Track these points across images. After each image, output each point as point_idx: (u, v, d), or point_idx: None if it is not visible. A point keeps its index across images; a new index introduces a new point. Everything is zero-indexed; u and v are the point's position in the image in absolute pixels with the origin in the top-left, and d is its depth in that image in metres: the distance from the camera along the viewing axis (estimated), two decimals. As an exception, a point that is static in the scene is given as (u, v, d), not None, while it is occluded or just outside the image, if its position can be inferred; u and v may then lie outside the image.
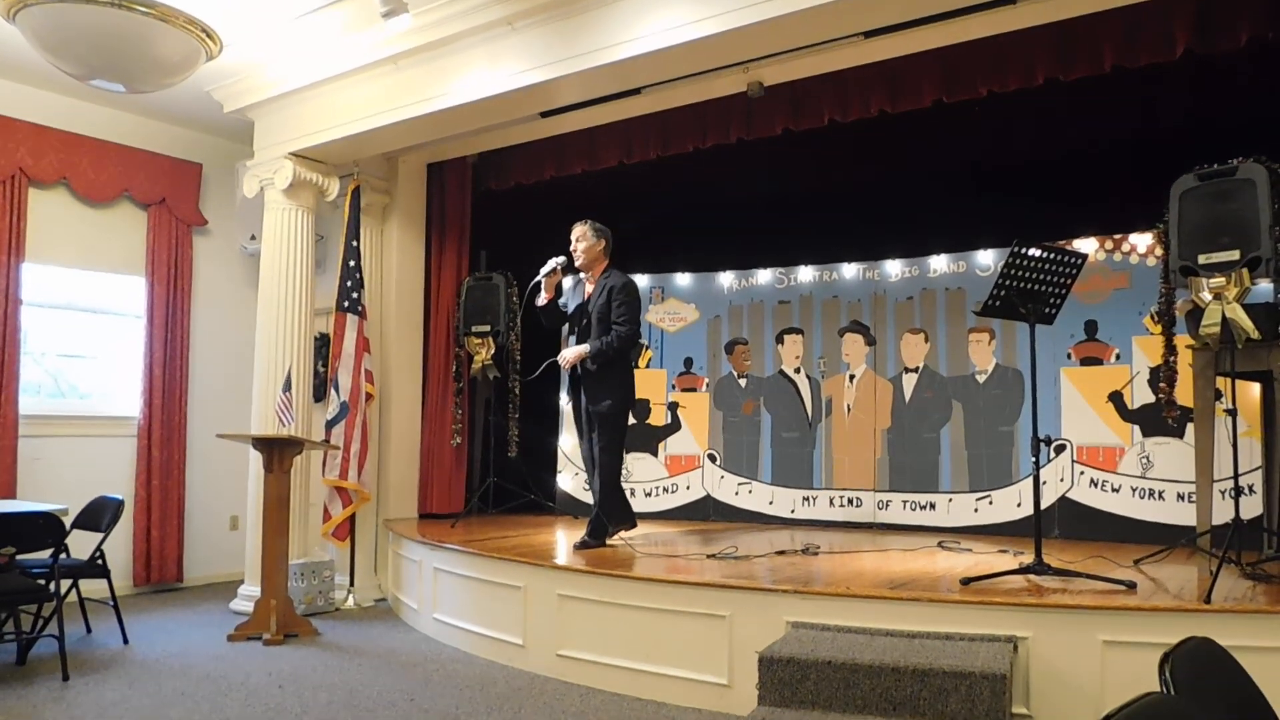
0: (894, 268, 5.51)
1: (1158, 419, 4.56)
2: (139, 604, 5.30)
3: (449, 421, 5.81)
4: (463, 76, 4.44)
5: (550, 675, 3.80)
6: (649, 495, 5.90)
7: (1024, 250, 3.37)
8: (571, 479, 6.09)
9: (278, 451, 4.58)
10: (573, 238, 4.47)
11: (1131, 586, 3.07)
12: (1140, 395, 4.69)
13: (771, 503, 5.66)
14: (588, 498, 5.88)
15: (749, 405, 5.83)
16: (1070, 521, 4.76)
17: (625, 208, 5.53)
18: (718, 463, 5.85)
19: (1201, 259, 3.20)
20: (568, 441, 6.14)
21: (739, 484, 5.77)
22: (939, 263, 5.38)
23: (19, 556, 3.97)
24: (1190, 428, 4.19)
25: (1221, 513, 3.57)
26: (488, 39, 4.32)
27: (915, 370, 5.40)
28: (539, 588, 3.92)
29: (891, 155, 5.07)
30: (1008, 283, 3.39)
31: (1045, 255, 3.40)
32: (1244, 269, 3.11)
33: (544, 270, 4.41)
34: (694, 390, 5.97)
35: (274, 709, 3.37)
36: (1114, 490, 4.69)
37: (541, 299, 4.42)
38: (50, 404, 5.60)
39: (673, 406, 6.00)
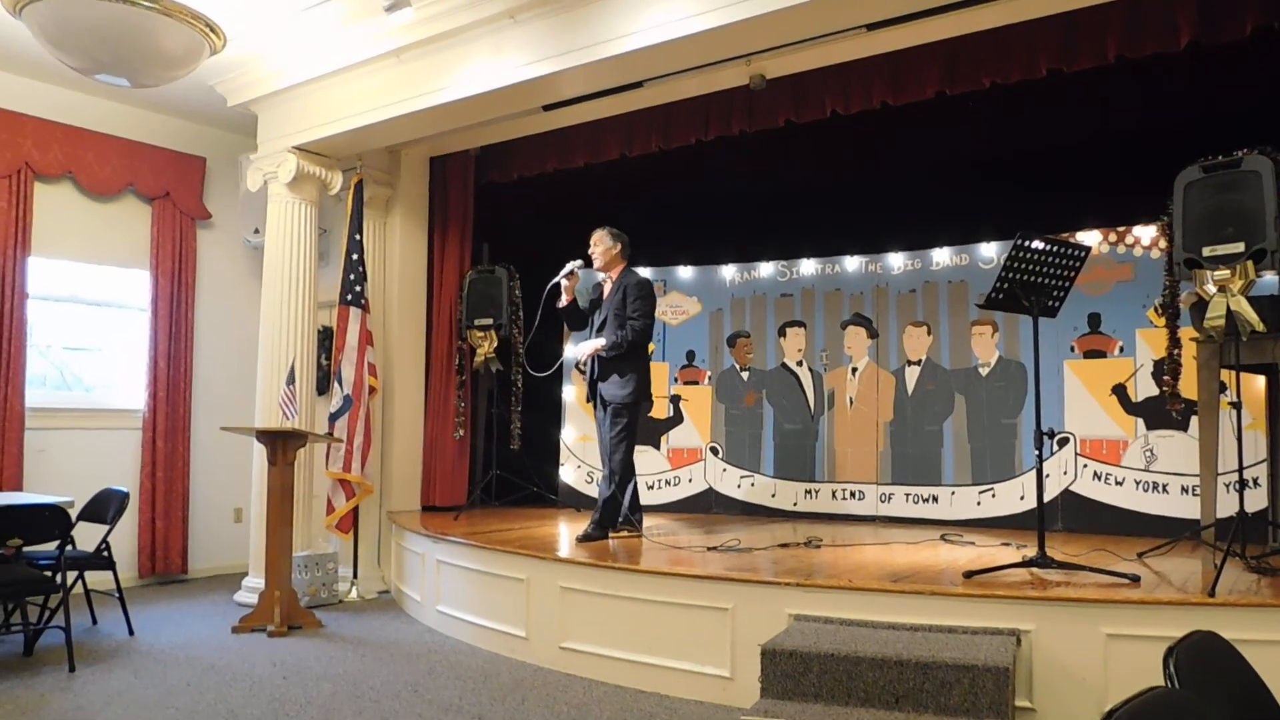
0: (896, 260, 5.50)
1: (1161, 412, 4.55)
2: (144, 595, 5.33)
3: (451, 414, 5.83)
4: (465, 70, 4.44)
5: (553, 667, 3.82)
6: (651, 488, 5.90)
7: (1027, 243, 3.36)
8: (574, 471, 6.10)
9: (281, 444, 4.60)
10: (591, 242, 4.65)
11: (1135, 580, 3.06)
12: (1144, 388, 4.68)
13: (774, 495, 5.67)
14: (590, 490, 5.90)
15: (751, 398, 5.83)
16: (1073, 514, 4.76)
17: (627, 200, 5.53)
18: (720, 455, 5.86)
19: (1206, 251, 3.18)
20: (570, 434, 6.15)
21: (741, 477, 5.78)
22: (941, 255, 5.36)
23: (25, 548, 3.99)
24: (1194, 420, 4.17)
25: (1226, 506, 3.56)
26: (490, 32, 4.31)
27: (918, 363, 5.39)
28: (541, 580, 3.93)
29: (894, 147, 5.06)
30: (1011, 275, 3.38)
31: (1048, 247, 3.39)
32: (1249, 261, 3.10)
33: (562, 273, 4.60)
34: (696, 383, 5.98)
35: (278, 700, 3.39)
36: (1117, 483, 4.68)
37: (562, 301, 4.63)
38: (56, 396, 5.63)
39: (675, 399, 6.00)
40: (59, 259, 5.56)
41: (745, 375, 5.86)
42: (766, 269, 5.86)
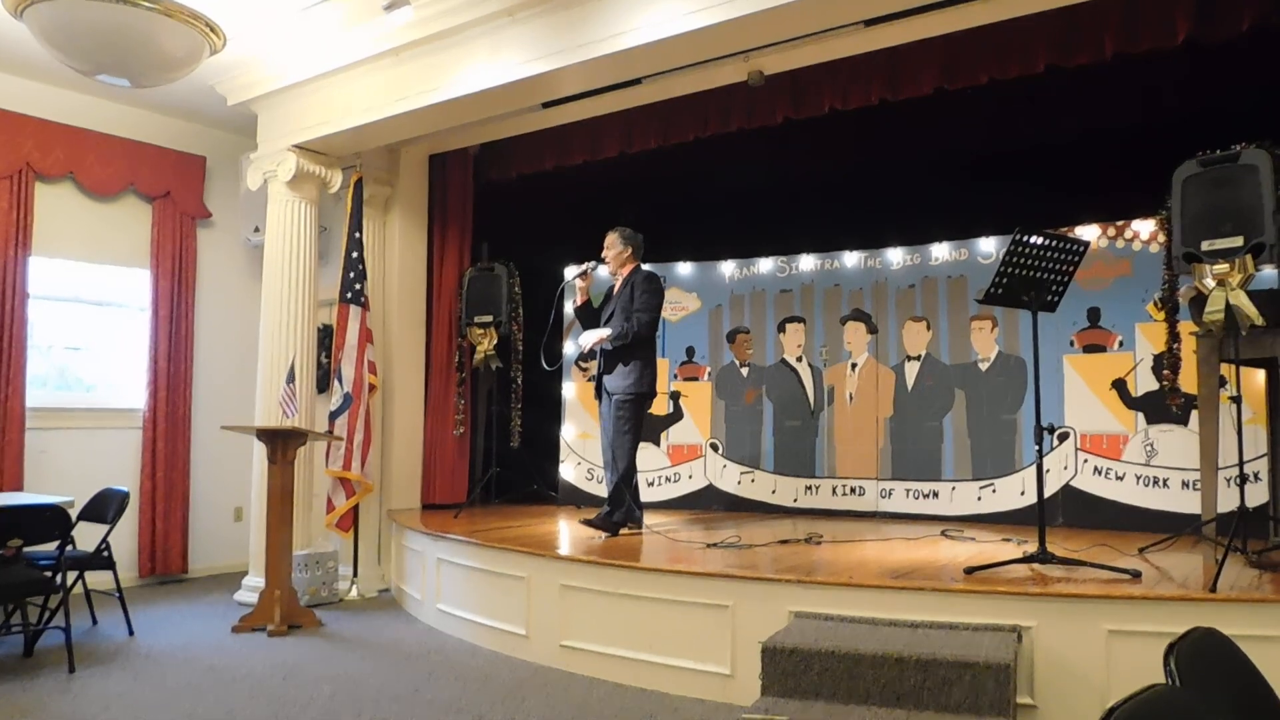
0: (895, 256, 5.49)
1: (1162, 406, 4.55)
2: (144, 595, 5.33)
3: (452, 412, 5.83)
4: (464, 68, 4.43)
5: (553, 666, 3.82)
6: (651, 485, 5.90)
7: (1026, 238, 3.36)
8: (574, 469, 6.10)
9: (281, 443, 4.60)
10: (605, 246, 4.71)
11: (1136, 575, 3.06)
12: (1144, 382, 4.67)
13: (774, 492, 5.66)
14: (591, 487, 5.91)
15: (751, 394, 5.82)
16: (1074, 510, 4.76)
17: (626, 197, 5.53)
18: (720, 452, 5.85)
19: (1205, 245, 3.18)
20: (570, 431, 6.15)
21: (741, 473, 5.78)
22: (940, 250, 5.36)
23: (26, 548, 3.99)
24: (1194, 415, 4.17)
25: (1226, 500, 3.57)
26: (489, 30, 4.31)
27: (917, 358, 5.39)
28: (542, 578, 3.93)
29: (892, 143, 5.05)
30: (1010, 270, 3.37)
31: (1047, 242, 3.39)
32: (1247, 255, 3.09)
33: (575, 273, 4.69)
34: (696, 379, 5.98)
35: (278, 700, 3.39)
36: (1118, 478, 4.68)
37: (577, 300, 4.73)
38: (56, 396, 5.63)
39: (675, 396, 6.00)
40: (60, 259, 5.56)
41: (745, 371, 5.86)
42: (766, 265, 5.86)
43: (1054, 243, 3.41)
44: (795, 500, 5.60)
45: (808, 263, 5.74)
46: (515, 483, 5.70)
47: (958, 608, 3.04)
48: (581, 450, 6.09)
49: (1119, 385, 4.74)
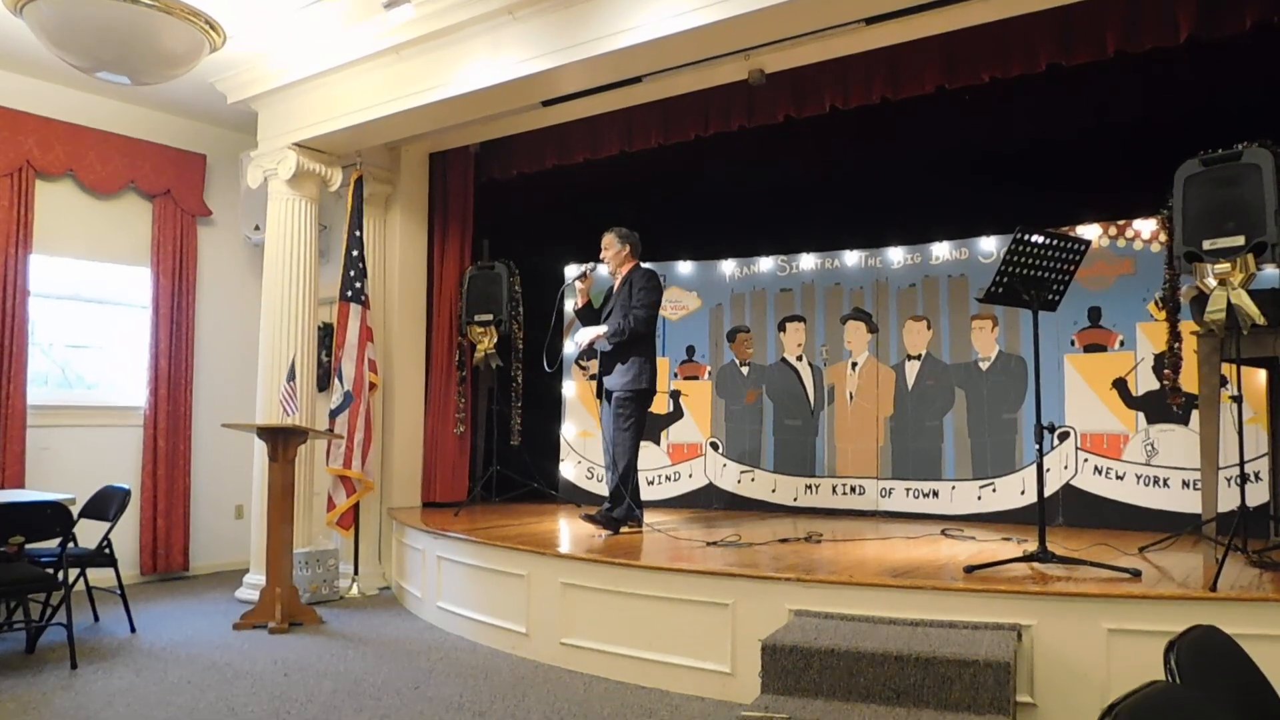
0: (896, 255, 5.49)
1: (1162, 406, 4.55)
2: (146, 593, 5.34)
3: (452, 410, 5.83)
4: (465, 66, 4.43)
5: (554, 663, 3.82)
6: (652, 483, 5.90)
7: (1027, 236, 3.36)
8: (574, 467, 6.11)
9: (282, 441, 4.60)
10: (602, 247, 4.71)
11: (1136, 574, 3.06)
12: (1145, 382, 4.67)
13: (774, 491, 5.67)
14: (591, 486, 5.91)
15: (751, 393, 5.82)
16: (1074, 509, 4.76)
17: (627, 196, 5.53)
18: (720, 451, 5.86)
19: (1206, 245, 3.18)
20: (570, 430, 6.16)
21: (741, 472, 5.78)
22: (941, 249, 5.36)
23: (28, 545, 4.00)
24: (1195, 414, 4.17)
25: (1227, 500, 3.57)
26: (489, 28, 4.31)
27: (918, 357, 5.39)
28: (542, 576, 3.93)
29: (894, 142, 5.05)
30: (1011, 269, 3.37)
31: (1048, 241, 3.38)
32: (1249, 254, 3.09)
33: (574, 276, 4.69)
34: (696, 378, 5.98)
35: (279, 697, 3.39)
36: (1118, 478, 4.68)
37: (578, 303, 4.72)
38: (58, 394, 5.64)
39: (675, 395, 6.00)
40: (61, 257, 5.57)
41: (745, 370, 5.86)
42: (766, 264, 5.86)
43: (1055, 242, 3.40)
44: (795, 499, 5.60)
45: (808, 262, 5.74)
46: (515, 481, 5.71)
47: (958, 606, 3.04)
48: (582, 449, 6.09)
49: (1120, 385, 4.74)
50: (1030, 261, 3.38)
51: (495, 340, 5.69)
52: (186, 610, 4.93)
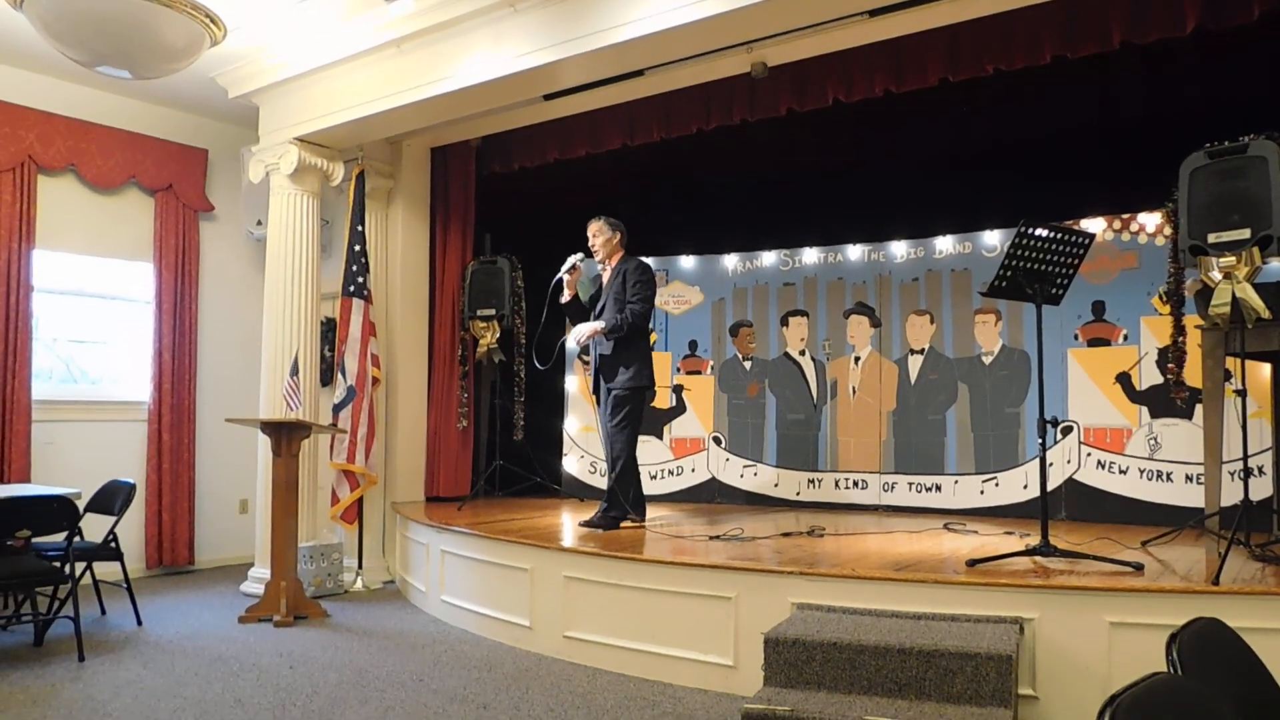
0: (899, 249, 5.48)
1: (1166, 400, 4.54)
2: (151, 586, 5.36)
3: (455, 405, 5.84)
4: (466, 59, 4.42)
5: (557, 656, 3.84)
6: (654, 478, 5.91)
7: (1031, 230, 3.35)
8: (577, 461, 6.11)
9: (286, 435, 4.61)
10: (590, 234, 4.62)
11: (1139, 568, 3.06)
12: (1148, 376, 4.66)
13: (777, 485, 5.67)
14: (594, 480, 5.91)
15: (754, 388, 5.82)
16: (1077, 503, 4.76)
17: (628, 190, 5.52)
18: (723, 445, 5.86)
19: (1211, 238, 3.16)
20: (573, 424, 6.16)
21: (744, 466, 5.78)
22: (944, 243, 5.34)
23: (34, 539, 4.02)
24: (1199, 409, 4.17)
25: (1230, 494, 3.56)
26: (490, 21, 4.29)
27: (920, 352, 5.38)
28: (545, 570, 3.95)
29: (896, 135, 5.03)
30: (1014, 263, 3.36)
31: (1052, 235, 3.37)
32: (1255, 248, 3.08)
33: (564, 268, 4.55)
34: (699, 373, 5.98)
35: (285, 689, 3.41)
36: (1121, 472, 4.68)
37: (565, 296, 4.59)
38: (62, 389, 5.65)
39: (678, 389, 6.00)
40: (63, 252, 5.57)
41: (748, 365, 5.86)
42: (769, 258, 5.85)
43: (1059, 235, 3.39)
44: (798, 493, 5.60)
45: (811, 256, 5.73)
46: (518, 475, 5.72)
47: (960, 599, 3.05)
48: (584, 443, 6.10)
49: (1123, 379, 4.73)
50: (1034, 255, 3.37)
51: (498, 335, 5.69)
52: (192, 603, 4.95)
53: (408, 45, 4.61)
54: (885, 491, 5.37)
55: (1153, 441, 4.62)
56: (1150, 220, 4.68)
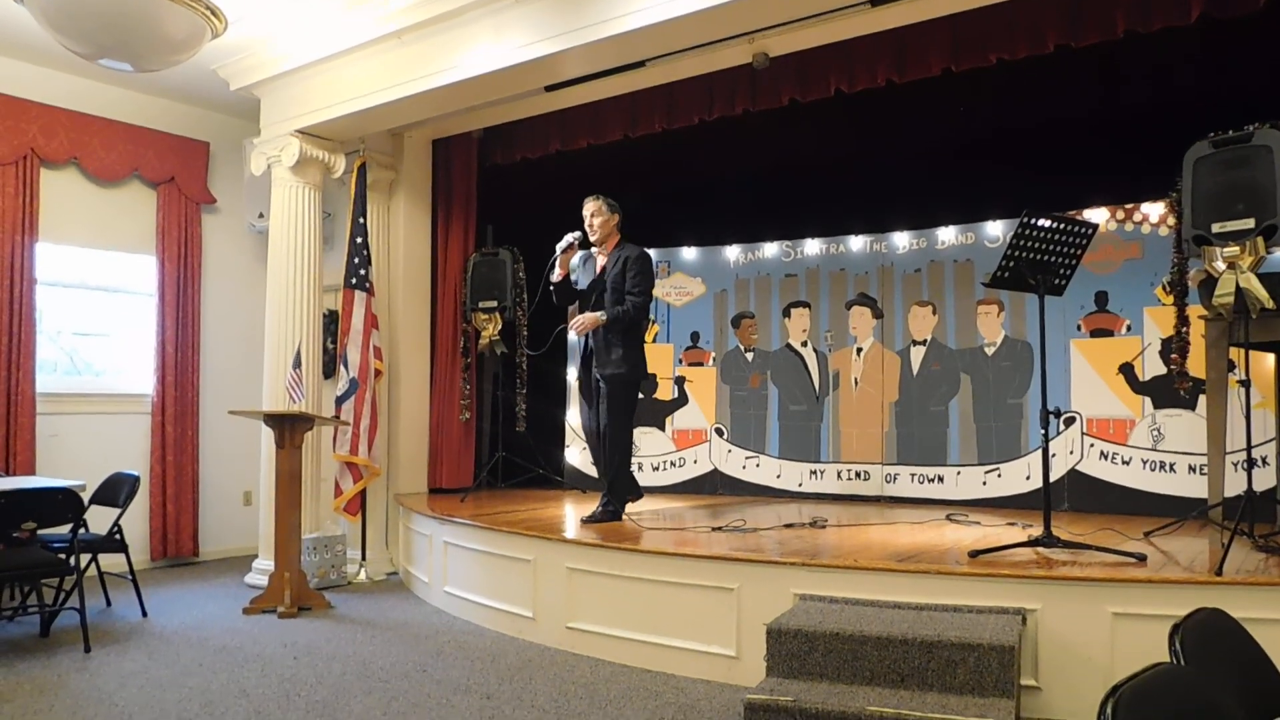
0: (901, 240, 5.47)
1: (1169, 390, 4.53)
2: (156, 578, 5.39)
3: (457, 397, 5.85)
4: (467, 51, 4.41)
5: (560, 647, 3.85)
6: (656, 469, 5.92)
7: (1033, 220, 3.33)
8: (579, 453, 6.12)
9: (289, 427, 4.62)
10: (586, 213, 4.48)
11: (1141, 559, 3.06)
12: (1151, 367, 4.65)
13: (779, 476, 5.68)
14: (596, 471, 5.92)
15: (756, 379, 5.82)
16: (1080, 494, 4.76)
17: (630, 181, 5.50)
18: (725, 437, 5.86)
19: (1215, 228, 3.15)
20: (575, 416, 6.16)
21: (746, 458, 5.79)
22: (947, 234, 5.33)
23: (40, 531, 4.04)
24: (1202, 399, 4.16)
25: (1233, 485, 3.56)
26: (492, 12, 4.28)
27: (923, 343, 5.37)
28: (548, 561, 3.96)
29: (899, 126, 5.01)
30: (1017, 254, 3.35)
31: (1055, 225, 3.36)
32: (1259, 237, 3.07)
33: (560, 246, 4.42)
34: (701, 364, 5.97)
35: (289, 679, 3.43)
36: (1124, 463, 4.67)
37: (556, 275, 4.44)
38: (66, 382, 5.67)
39: (680, 381, 6.00)
40: (66, 245, 5.58)
41: (750, 356, 5.86)
42: (771, 249, 5.84)
43: (1062, 226, 3.38)
44: (800, 485, 5.61)
45: (813, 247, 5.72)
46: (521, 467, 5.73)
47: (962, 590, 3.05)
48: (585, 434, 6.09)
49: (1126, 369, 4.72)
50: (1037, 246, 3.36)
51: (500, 326, 5.69)
52: (196, 595, 4.97)
53: (409, 36, 4.59)
54: (887, 483, 5.37)
55: (1156, 432, 4.61)
56: (1154, 210, 4.66)
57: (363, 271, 5.33)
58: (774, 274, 5.81)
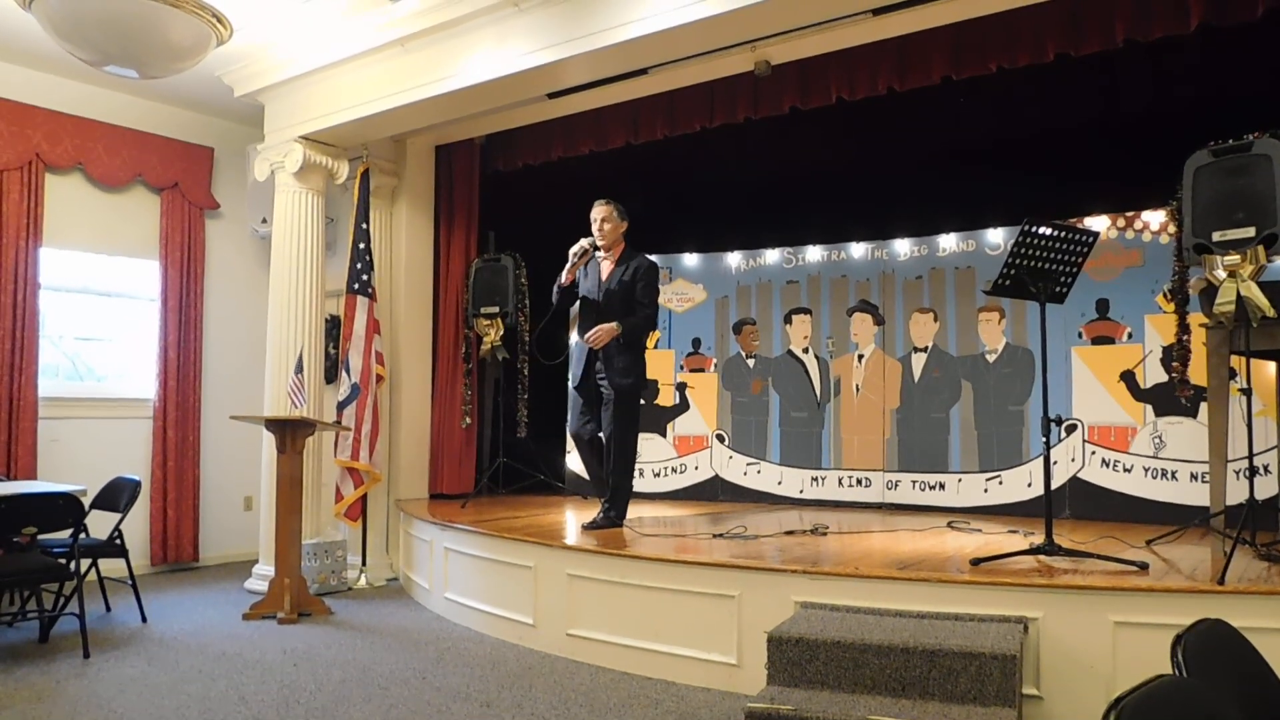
0: (903, 247, 5.47)
1: (1170, 398, 4.53)
2: (156, 583, 5.38)
3: (459, 402, 5.85)
4: (470, 58, 4.43)
5: (560, 654, 3.84)
6: (658, 476, 5.92)
7: (1034, 228, 3.34)
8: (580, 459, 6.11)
9: (290, 433, 4.63)
10: (596, 216, 4.44)
11: (1143, 567, 3.06)
12: (1153, 374, 4.65)
13: (780, 483, 5.67)
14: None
15: (757, 385, 5.82)
16: (1081, 502, 4.75)
17: (633, 188, 5.50)
18: (726, 443, 5.86)
19: (1216, 236, 3.15)
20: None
21: (748, 464, 5.78)
22: (948, 241, 5.34)
23: (40, 536, 4.04)
24: (1204, 407, 4.15)
25: (1235, 493, 3.55)
26: (495, 20, 4.30)
27: (924, 350, 5.37)
28: (549, 567, 3.95)
29: (900, 133, 5.03)
30: (1018, 261, 3.36)
31: (1056, 233, 3.37)
32: (1259, 246, 3.07)
33: (574, 250, 4.39)
34: (702, 370, 5.98)
35: (289, 686, 3.42)
36: (1126, 470, 4.67)
37: (564, 279, 4.41)
38: (68, 386, 5.67)
39: (681, 387, 6.00)
40: (70, 250, 5.60)
41: (751, 363, 5.86)
42: (772, 256, 5.85)
43: (1063, 233, 3.39)
44: (801, 491, 5.60)
45: (814, 254, 5.73)
46: (522, 473, 5.73)
47: (964, 599, 3.05)
48: (588, 440, 6.09)
49: (1128, 377, 4.72)
50: (1038, 253, 3.37)
51: (501, 332, 5.70)
52: (196, 600, 4.97)
53: (412, 44, 4.61)
54: (889, 490, 5.37)
55: (1157, 440, 4.61)
56: (1154, 218, 4.66)
57: (365, 277, 5.34)
58: (775, 280, 5.82)
